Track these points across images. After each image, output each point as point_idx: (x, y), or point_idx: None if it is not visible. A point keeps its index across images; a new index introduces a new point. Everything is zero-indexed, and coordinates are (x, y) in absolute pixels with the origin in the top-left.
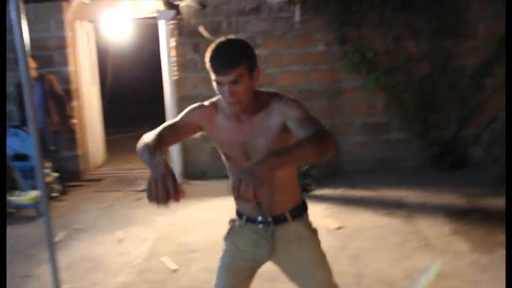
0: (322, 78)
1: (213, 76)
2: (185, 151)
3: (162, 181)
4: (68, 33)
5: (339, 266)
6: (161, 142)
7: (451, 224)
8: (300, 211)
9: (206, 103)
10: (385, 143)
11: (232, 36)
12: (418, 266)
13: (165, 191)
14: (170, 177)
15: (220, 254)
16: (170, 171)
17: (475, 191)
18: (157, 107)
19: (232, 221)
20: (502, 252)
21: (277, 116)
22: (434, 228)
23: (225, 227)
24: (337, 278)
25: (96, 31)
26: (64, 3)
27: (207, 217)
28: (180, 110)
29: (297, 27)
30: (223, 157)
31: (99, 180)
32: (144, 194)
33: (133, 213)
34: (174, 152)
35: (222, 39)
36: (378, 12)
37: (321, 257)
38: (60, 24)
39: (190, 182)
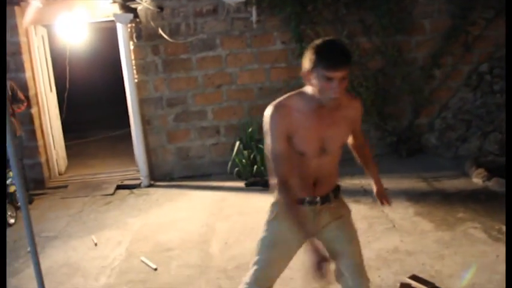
0: (281, 75)
1: (321, 72)
2: (150, 152)
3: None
4: (22, 39)
5: None
6: (292, 191)
7: (413, 206)
8: (339, 191)
9: (281, 109)
10: None
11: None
12: (387, 246)
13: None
14: (325, 264)
15: (195, 251)
16: (323, 257)
17: (432, 175)
18: (118, 110)
19: (276, 204)
20: (462, 228)
21: (352, 114)
22: (399, 211)
23: (196, 225)
24: None
25: (52, 36)
26: (16, 8)
27: (178, 216)
28: (142, 112)
29: (254, 27)
30: (295, 154)
31: (64, 187)
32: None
33: (104, 217)
34: (139, 153)
35: (327, 38)
36: (332, 10)
37: (356, 232)
38: (14, 29)
39: None
